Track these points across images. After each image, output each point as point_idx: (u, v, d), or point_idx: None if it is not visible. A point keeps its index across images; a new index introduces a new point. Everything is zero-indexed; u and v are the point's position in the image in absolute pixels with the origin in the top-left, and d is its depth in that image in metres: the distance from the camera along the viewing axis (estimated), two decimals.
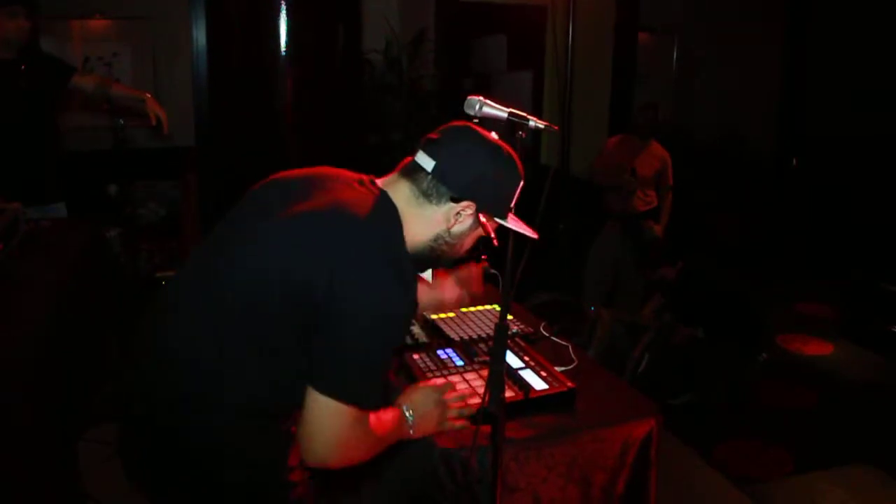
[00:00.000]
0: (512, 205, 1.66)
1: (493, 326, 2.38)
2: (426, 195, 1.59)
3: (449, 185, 1.58)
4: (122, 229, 5.05)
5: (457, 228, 1.63)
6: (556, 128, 1.76)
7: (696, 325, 4.73)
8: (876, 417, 4.21)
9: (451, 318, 2.51)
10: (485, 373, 1.98)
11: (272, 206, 1.60)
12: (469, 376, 2.02)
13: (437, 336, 2.37)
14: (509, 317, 1.57)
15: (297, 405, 1.57)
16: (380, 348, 1.49)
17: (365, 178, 1.66)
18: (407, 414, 1.77)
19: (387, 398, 1.71)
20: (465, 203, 1.59)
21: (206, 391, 1.54)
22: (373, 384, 1.51)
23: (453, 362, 2.14)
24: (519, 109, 1.71)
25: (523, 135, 1.65)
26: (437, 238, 1.63)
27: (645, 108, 5.33)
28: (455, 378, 2.01)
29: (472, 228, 1.65)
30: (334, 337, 1.44)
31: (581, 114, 5.47)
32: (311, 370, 1.47)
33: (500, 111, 1.70)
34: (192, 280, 1.65)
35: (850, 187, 6.98)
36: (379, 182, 1.66)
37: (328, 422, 1.46)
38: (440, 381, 1.93)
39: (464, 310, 2.60)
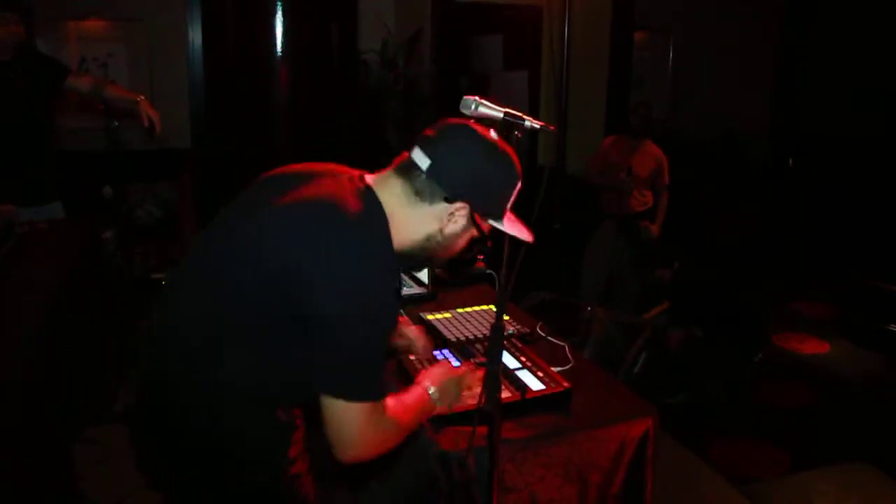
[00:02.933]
0: (508, 206, 1.63)
1: (489, 327, 2.38)
2: (419, 194, 1.56)
3: (443, 185, 1.55)
4: (118, 231, 5.04)
5: (450, 229, 1.60)
6: (552, 128, 1.76)
7: (694, 325, 4.73)
8: (872, 416, 4.22)
9: (447, 319, 2.51)
10: (481, 373, 1.98)
11: (261, 199, 1.60)
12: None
13: (434, 337, 2.37)
14: (505, 317, 1.57)
15: (295, 395, 1.66)
16: (371, 341, 1.49)
17: (356, 173, 1.64)
18: (432, 391, 1.81)
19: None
20: (458, 204, 1.56)
21: (204, 383, 1.57)
22: (373, 376, 1.52)
23: (450, 363, 2.14)
24: (515, 109, 1.71)
25: (519, 135, 1.65)
26: (428, 238, 1.61)
27: (637, 107, 5.34)
28: None
29: (465, 229, 1.62)
30: (325, 339, 1.45)
31: (577, 113, 5.48)
32: (314, 375, 1.49)
33: (495, 111, 1.70)
34: (187, 274, 1.69)
35: (846, 186, 6.99)
36: (370, 178, 1.63)
37: (345, 421, 1.48)
38: (460, 366, 2.00)
39: (460, 310, 2.60)
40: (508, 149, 1.60)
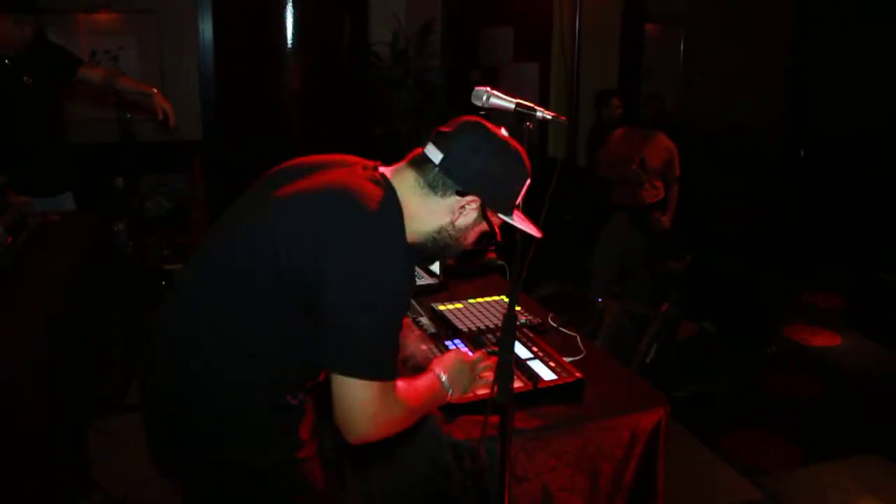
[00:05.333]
0: (518, 202, 1.65)
1: (501, 317, 2.38)
2: (432, 187, 1.60)
3: (455, 179, 1.58)
4: (129, 222, 5.06)
5: (461, 222, 1.64)
6: (563, 118, 1.76)
7: (706, 317, 4.72)
8: (884, 408, 4.20)
9: (458, 310, 2.52)
10: (493, 360, 1.99)
11: (272, 191, 1.63)
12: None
13: (446, 327, 2.38)
14: (517, 308, 1.57)
15: (302, 380, 1.69)
16: (386, 321, 1.51)
17: (370, 163, 1.67)
18: (443, 379, 1.82)
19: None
20: (470, 197, 1.59)
21: (211, 370, 1.60)
22: (387, 356, 1.53)
23: (461, 350, 2.14)
24: (526, 100, 1.70)
25: (530, 126, 1.65)
26: (440, 230, 1.64)
27: (650, 98, 5.33)
28: None
29: (476, 222, 1.66)
30: (340, 320, 1.47)
31: (588, 105, 5.47)
32: (327, 355, 1.50)
33: (507, 102, 1.70)
34: (197, 265, 1.72)
35: (858, 178, 6.96)
36: (385, 169, 1.66)
37: (356, 401, 1.49)
38: (473, 354, 1.99)
39: (472, 301, 2.60)
40: (519, 146, 1.63)
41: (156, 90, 3.76)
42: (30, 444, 2.20)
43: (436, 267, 2.81)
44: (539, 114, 1.66)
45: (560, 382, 1.94)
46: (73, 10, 5.77)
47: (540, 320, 2.46)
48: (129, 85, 3.91)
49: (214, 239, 1.72)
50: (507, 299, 2.14)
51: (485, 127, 1.61)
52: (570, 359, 2.15)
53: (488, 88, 1.69)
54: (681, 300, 4.45)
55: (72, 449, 2.77)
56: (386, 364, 1.52)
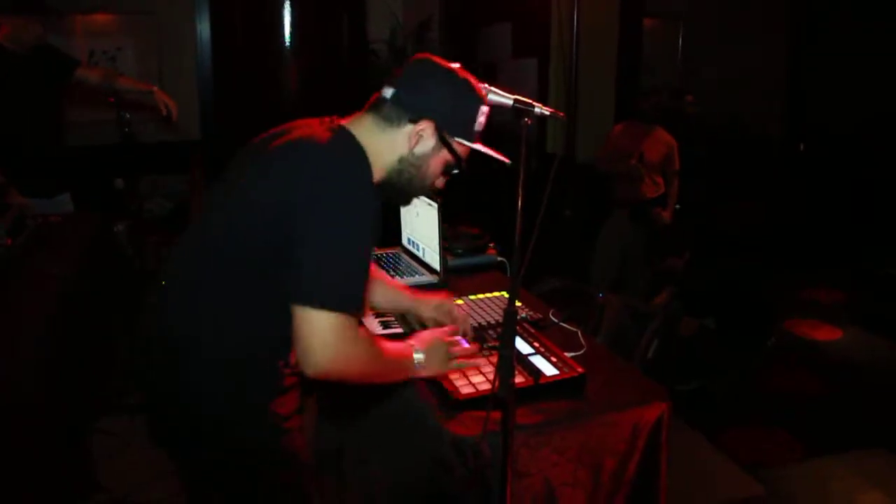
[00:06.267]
0: (476, 128, 1.72)
1: (501, 313, 2.38)
2: (387, 120, 1.69)
3: (406, 107, 1.68)
4: (129, 223, 5.06)
5: (419, 149, 1.70)
6: (561, 114, 1.76)
7: (706, 314, 4.72)
8: (886, 401, 4.20)
9: (459, 306, 2.51)
10: (494, 359, 1.98)
11: (242, 160, 1.74)
12: (479, 362, 2.02)
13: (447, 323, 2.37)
14: (518, 303, 1.56)
15: (287, 349, 1.70)
16: (349, 251, 1.54)
17: (327, 119, 1.74)
18: (416, 349, 1.86)
19: None
20: (423, 123, 1.67)
21: (198, 341, 1.64)
22: (351, 288, 1.55)
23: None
24: (525, 97, 1.70)
25: (529, 122, 1.65)
26: (401, 160, 1.71)
27: (652, 93, 5.33)
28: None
29: (435, 150, 1.71)
30: (305, 249, 1.51)
31: (587, 101, 5.46)
32: (292, 289, 1.52)
33: (505, 98, 1.70)
34: (184, 241, 1.79)
35: (858, 173, 6.95)
36: (342, 120, 1.73)
37: (315, 329, 1.51)
38: (449, 330, 2.03)
39: (472, 297, 2.60)
40: (469, 76, 1.72)
41: (155, 87, 3.78)
42: (30, 444, 2.20)
43: (436, 264, 2.81)
44: (537, 110, 1.67)
45: (561, 377, 1.94)
46: (71, 12, 5.76)
47: (541, 316, 2.46)
48: (128, 84, 3.92)
49: (196, 228, 1.78)
50: (507, 295, 2.14)
51: (431, 60, 1.72)
52: (572, 354, 2.14)
53: (486, 85, 1.69)
54: (678, 293, 4.45)
55: (73, 449, 2.77)
56: (348, 296, 1.54)
